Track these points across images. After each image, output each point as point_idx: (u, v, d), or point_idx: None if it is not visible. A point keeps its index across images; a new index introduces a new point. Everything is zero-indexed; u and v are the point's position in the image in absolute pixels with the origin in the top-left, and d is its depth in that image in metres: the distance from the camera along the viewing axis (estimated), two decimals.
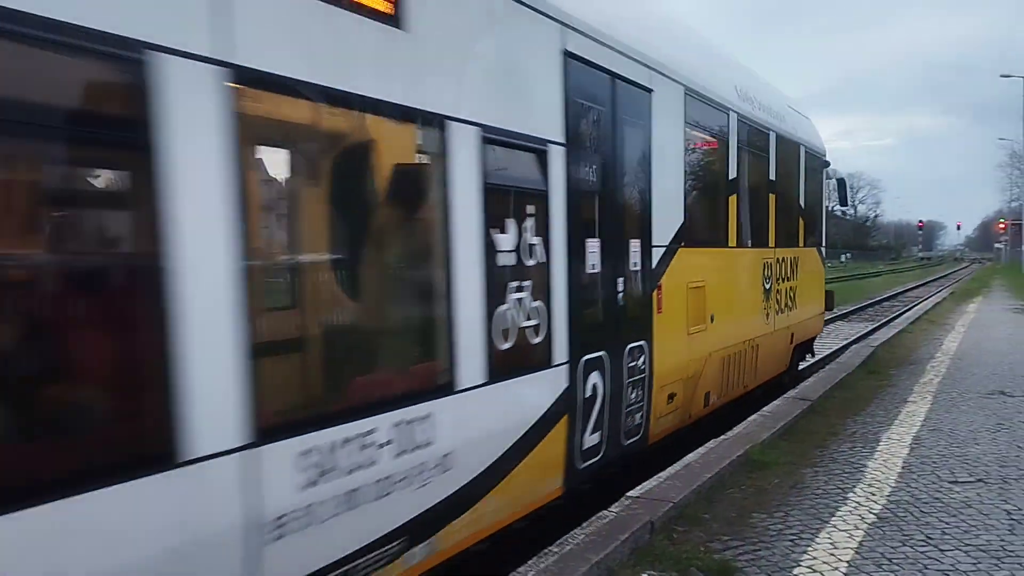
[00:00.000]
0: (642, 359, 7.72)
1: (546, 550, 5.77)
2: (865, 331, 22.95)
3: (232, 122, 3.93)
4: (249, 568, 4.04)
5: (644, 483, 7.26)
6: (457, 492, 5.34)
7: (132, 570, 3.50)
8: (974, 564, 6.01)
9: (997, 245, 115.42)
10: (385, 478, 4.75)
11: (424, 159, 5.31)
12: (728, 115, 9.94)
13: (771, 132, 11.56)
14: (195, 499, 3.77)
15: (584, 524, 6.26)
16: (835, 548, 6.27)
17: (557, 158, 6.40)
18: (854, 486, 7.78)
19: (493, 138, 5.65)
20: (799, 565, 5.96)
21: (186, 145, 3.72)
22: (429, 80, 5.10)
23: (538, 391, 6.22)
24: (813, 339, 14.52)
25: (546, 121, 6.33)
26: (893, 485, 7.81)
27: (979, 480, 7.99)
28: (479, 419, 5.49)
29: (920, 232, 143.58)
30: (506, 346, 5.75)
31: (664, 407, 8.30)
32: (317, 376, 4.94)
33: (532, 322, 6.08)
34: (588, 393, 6.84)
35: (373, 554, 4.75)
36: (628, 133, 7.56)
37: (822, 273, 14.75)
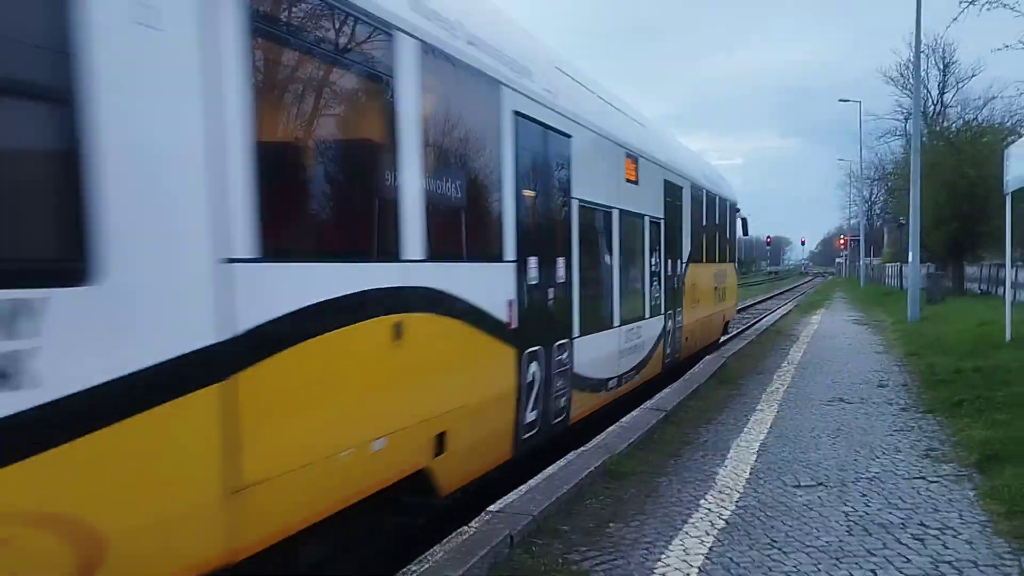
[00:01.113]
0: (680, 316, 15.88)
1: (404, 570, 5.82)
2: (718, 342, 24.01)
3: None
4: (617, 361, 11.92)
5: (505, 496, 7.40)
6: (638, 364, 12.93)
7: (636, 347, 12.66)
8: (815, 565, 6.35)
9: (838, 259, 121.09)
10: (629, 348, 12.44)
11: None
12: (685, 187, 16.33)
13: (714, 194, 19.12)
14: (618, 337, 11.89)
15: (444, 540, 6.33)
16: (687, 554, 6.54)
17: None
18: (705, 493, 8.10)
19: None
20: (653, 573, 6.20)
21: None
22: None
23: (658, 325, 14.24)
24: (730, 320, 22.92)
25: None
26: (741, 491, 8.16)
27: (820, 484, 8.42)
28: (650, 331, 13.55)
29: (768, 247, 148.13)
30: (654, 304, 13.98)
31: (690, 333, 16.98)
32: (632, 302, 12.66)
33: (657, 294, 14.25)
34: (669, 327, 14.89)
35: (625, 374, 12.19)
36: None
37: (735, 279, 23.04)
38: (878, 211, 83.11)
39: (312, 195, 5.50)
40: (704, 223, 18.11)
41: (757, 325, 27.52)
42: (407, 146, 6.45)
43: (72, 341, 3.85)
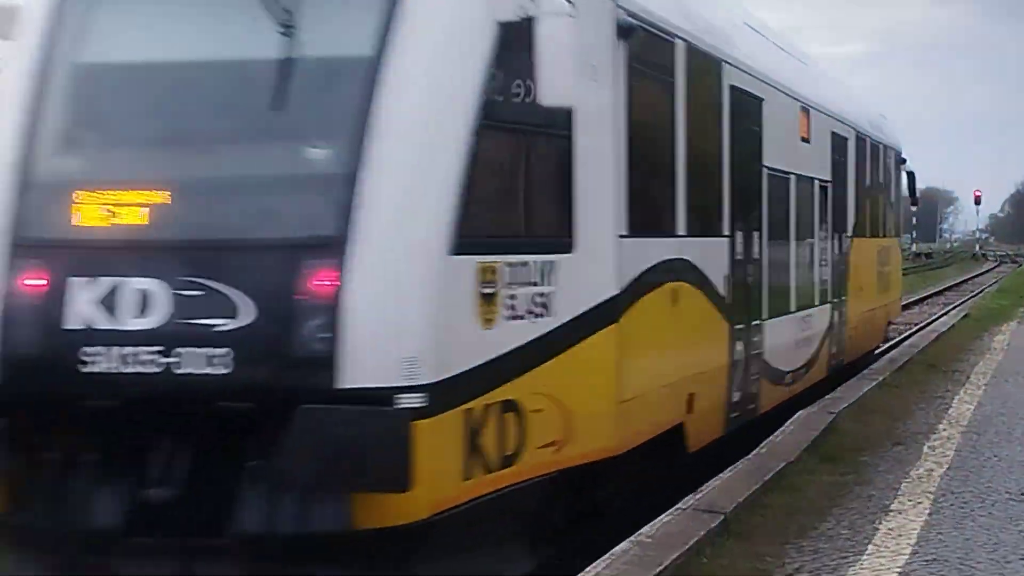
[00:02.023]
0: (844, 308, 13.39)
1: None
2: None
3: None
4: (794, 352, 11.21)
5: None
6: (807, 361, 11.69)
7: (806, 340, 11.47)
8: None
9: None
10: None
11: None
12: (850, 138, 14.02)
13: (877, 142, 15.67)
14: (794, 324, 11.04)
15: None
16: None
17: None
18: None
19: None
20: None
21: None
22: None
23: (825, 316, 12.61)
24: (893, 321, 19.25)
25: None
26: None
27: None
28: (819, 323, 12.15)
29: (913, 211, 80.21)
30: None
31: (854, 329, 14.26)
32: (804, 286, 11.46)
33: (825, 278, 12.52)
34: (834, 320, 12.91)
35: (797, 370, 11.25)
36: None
37: (900, 261, 20.17)
38: None
39: (646, 188, 7.32)
40: (868, 183, 14.93)
41: (891, 352, 17.30)
42: (679, 138, 7.92)
43: (566, 288, 6.08)
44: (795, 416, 10.08)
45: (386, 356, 5.11)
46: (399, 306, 5.18)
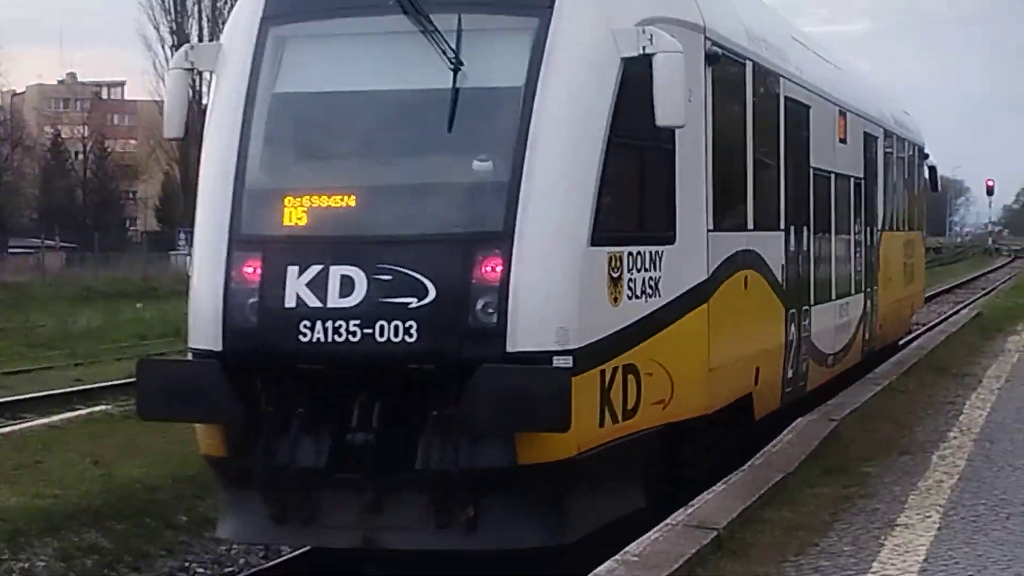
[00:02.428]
0: (875, 296, 14.17)
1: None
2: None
3: None
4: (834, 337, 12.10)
5: None
6: (845, 345, 12.56)
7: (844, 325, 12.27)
8: None
9: None
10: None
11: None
12: (879, 137, 14.67)
13: (903, 139, 16.43)
14: (835, 311, 11.92)
15: None
16: None
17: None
18: None
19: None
20: None
21: None
22: None
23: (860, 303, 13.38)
24: (917, 311, 20.25)
25: None
26: None
27: None
28: (855, 310, 12.92)
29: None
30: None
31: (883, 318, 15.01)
32: (842, 275, 12.34)
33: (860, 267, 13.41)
34: (868, 308, 13.64)
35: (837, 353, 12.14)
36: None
37: (923, 253, 20.74)
38: None
39: (725, 189, 8.44)
40: (895, 179, 15.88)
41: (897, 354, 15.81)
42: (748, 146, 9.20)
43: (669, 273, 7.36)
44: (794, 424, 9.57)
45: (543, 326, 6.44)
46: (552, 286, 6.52)
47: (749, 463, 8.00)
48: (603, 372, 6.70)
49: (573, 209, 6.66)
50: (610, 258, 6.85)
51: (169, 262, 48.05)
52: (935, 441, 9.66)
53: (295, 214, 6.80)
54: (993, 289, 37.34)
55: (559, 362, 6.37)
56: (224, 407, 6.56)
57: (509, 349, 6.37)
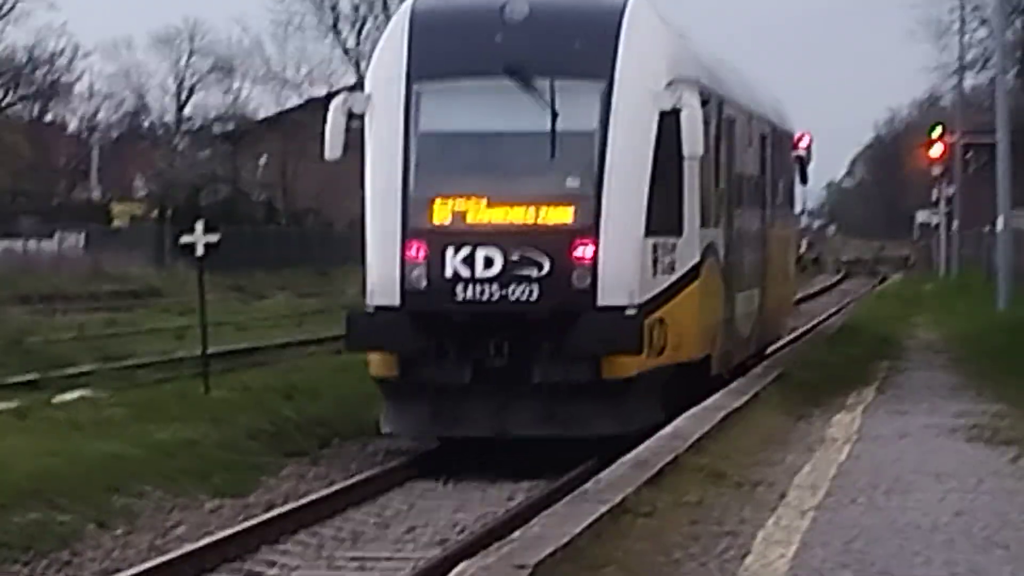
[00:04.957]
0: (761, 293, 16.61)
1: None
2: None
3: None
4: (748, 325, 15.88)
5: None
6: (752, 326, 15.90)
7: (750, 315, 15.51)
8: None
9: (920, 219, 50.50)
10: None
11: None
12: (768, 135, 17.18)
13: (780, 132, 18.23)
14: (752, 298, 15.77)
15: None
16: None
17: None
18: None
19: None
20: None
21: None
22: None
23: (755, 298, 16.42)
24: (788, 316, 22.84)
25: None
26: None
27: None
28: (753, 303, 15.91)
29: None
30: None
31: None
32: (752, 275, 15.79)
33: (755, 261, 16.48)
34: (758, 303, 16.09)
35: (749, 338, 15.89)
36: None
37: (796, 251, 25.60)
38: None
39: (703, 196, 12.05)
40: (775, 173, 16.60)
41: (640, 447, 8.43)
42: (710, 161, 12.38)
43: (679, 257, 11.44)
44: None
45: (619, 289, 10.57)
46: (624, 264, 10.68)
47: None
48: (649, 321, 10.70)
49: (634, 213, 10.77)
50: (653, 246, 11.01)
51: None
52: None
53: (444, 213, 10.75)
54: (812, 328, 24.66)
55: (630, 312, 10.50)
56: (404, 341, 10.56)
57: (599, 304, 10.48)
